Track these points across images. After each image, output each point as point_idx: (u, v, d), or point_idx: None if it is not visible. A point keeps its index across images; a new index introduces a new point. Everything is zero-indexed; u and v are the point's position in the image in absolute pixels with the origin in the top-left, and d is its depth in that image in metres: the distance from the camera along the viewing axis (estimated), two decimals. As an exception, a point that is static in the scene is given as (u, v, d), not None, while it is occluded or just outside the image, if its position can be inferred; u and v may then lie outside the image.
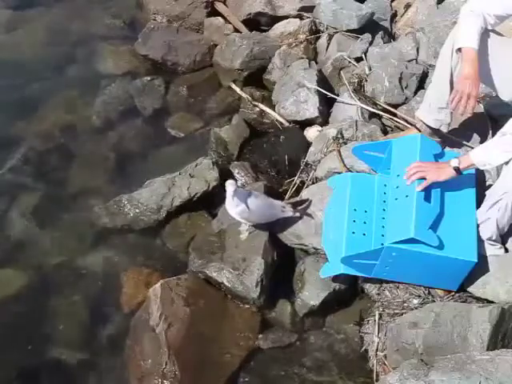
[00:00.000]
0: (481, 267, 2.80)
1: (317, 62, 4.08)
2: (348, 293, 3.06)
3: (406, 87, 3.73)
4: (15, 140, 3.90)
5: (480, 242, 2.82)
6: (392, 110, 3.71)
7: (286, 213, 3.09)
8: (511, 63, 2.92)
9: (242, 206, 2.97)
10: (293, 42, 4.17)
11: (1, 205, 3.56)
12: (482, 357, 2.45)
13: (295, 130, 3.77)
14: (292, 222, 3.15)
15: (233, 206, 2.99)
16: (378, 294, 2.99)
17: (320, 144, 3.53)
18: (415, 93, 3.74)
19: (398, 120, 3.67)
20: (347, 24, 4.09)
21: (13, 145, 3.85)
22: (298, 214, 3.11)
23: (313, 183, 3.41)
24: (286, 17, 4.32)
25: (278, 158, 3.63)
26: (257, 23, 4.40)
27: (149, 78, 4.24)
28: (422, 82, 3.78)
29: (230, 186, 2.93)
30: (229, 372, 2.87)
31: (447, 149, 3.16)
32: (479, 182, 2.97)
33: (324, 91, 3.80)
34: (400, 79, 3.73)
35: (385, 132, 3.61)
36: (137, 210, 3.38)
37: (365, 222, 2.95)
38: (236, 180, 3.01)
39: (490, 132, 3.31)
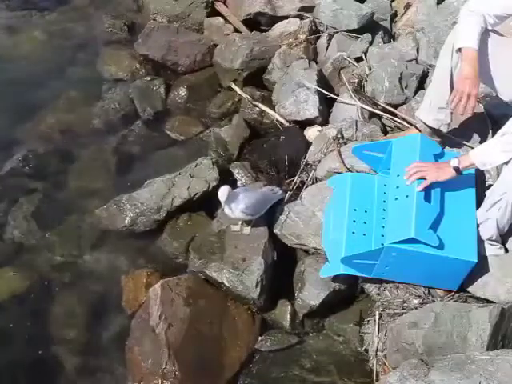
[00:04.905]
0: (481, 267, 2.80)
1: (317, 62, 4.08)
2: (348, 293, 3.06)
3: (406, 87, 3.73)
4: (16, 142, 3.90)
5: (480, 242, 2.82)
6: (392, 110, 3.70)
7: (277, 194, 3.17)
8: (511, 63, 2.92)
9: (239, 209, 2.99)
10: (293, 42, 4.16)
11: (1, 207, 3.56)
12: (482, 357, 2.45)
13: (295, 130, 3.77)
14: (292, 222, 3.14)
15: (230, 212, 3.02)
16: (378, 294, 2.99)
17: (320, 144, 3.53)
18: (415, 93, 3.74)
19: (398, 120, 3.67)
20: (347, 24, 4.09)
21: (13, 147, 3.85)
22: (289, 193, 3.17)
23: (313, 183, 3.41)
24: (286, 17, 4.31)
25: (277, 158, 3.62)
26: (257, 23, 4.40)
27: (149, 78, 4.23)
28: (421, 82, 3.78)
29: (221, 196, 2.95)
30: (228, 372, 2.87)
31: (447, 149, 3.16)
32: (479, 182, 2.97)
33: (324, 91, 3.80)
34: (400, 79, 3.73)
35: (385, 132, 3.61)
36: (137, 210, 3.37)
37: (365, 222, 2.95)
38: (229, 184, 3.05)
39: (490, 132, 3.31)
